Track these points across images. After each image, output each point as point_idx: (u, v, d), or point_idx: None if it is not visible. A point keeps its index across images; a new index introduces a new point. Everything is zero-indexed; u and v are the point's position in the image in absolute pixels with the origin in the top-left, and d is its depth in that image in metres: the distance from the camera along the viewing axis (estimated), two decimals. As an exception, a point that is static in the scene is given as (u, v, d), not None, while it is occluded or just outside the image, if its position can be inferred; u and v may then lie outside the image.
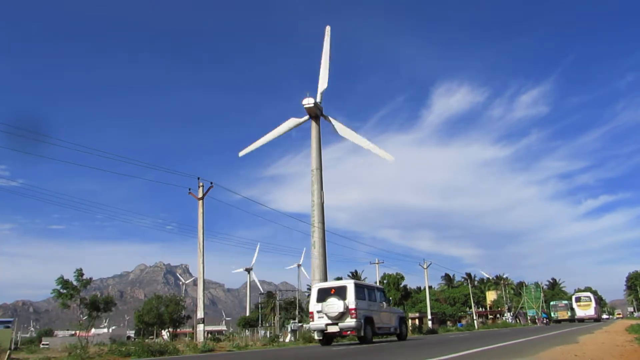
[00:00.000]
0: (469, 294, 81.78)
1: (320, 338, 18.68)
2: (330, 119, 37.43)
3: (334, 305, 17.38)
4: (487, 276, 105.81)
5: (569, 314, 57.56)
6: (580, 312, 56.28)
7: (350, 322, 17.20)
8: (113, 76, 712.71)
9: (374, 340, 18.49)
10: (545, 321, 54.34)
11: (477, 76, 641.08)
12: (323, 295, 18.26)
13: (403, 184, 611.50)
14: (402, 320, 21.57)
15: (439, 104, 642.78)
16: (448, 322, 70.00)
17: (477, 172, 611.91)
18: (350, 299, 17.49)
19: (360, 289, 18.60)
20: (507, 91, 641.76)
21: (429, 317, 48.99)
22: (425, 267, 54.90)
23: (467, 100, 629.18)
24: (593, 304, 57.25)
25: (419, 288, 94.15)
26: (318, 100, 36.71)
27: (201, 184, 23.76)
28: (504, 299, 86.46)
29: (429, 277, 55.91)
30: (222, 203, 40.77)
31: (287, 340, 29.87)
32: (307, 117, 36.60)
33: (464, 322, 70.41)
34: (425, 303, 60.44)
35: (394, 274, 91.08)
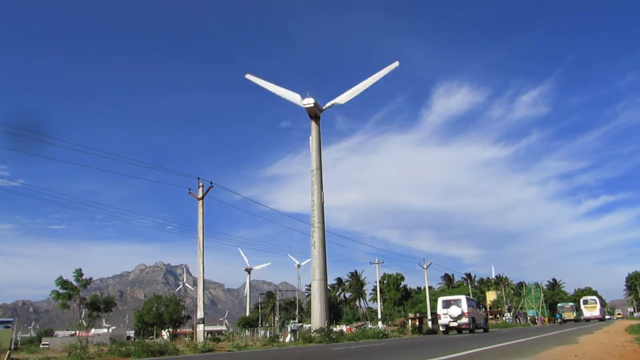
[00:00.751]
0: (469, 294, 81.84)
1: (444, 330, 30.04)
2: (330, 103, 37.31)
3: (456, 310, 28.86)
4: (492, 276, 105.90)
5: (574, 314, 64.23)
6: (587, 313, 63.61)
7: (465, 320, 28.62)
8: (113, 76, 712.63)
9: (466, 331, 28.69)
10: (560, 321, 60.81)
11: (477, 76, 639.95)
12: (447, 304, 29.89)
13: (403, 184, 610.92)
14: (486, 319, 34.39)
15: (439, 104, 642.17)
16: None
17: (477, 172, 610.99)
18: (464, 306, 28.93)
19: (468, 300, 30.25)
20: (507, 91, 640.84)
21: (429, 317, 48.95)
22: (425, 267, 54.91)
23: (467, 101, 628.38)
24: (598, 306, 65.01)
25: (419, 288, 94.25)
26: (324, 108, 36.78)
27: (201, 184, 23.75)
28: (504, 299, 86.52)
29: (429, 277, 55.94)
30: (222, 203, 40.86)
31: (287, 340, 29.86)
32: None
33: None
34: (425, 303, 60.42)
35: (394, 274, 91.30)
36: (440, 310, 30.32)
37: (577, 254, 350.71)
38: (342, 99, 37.40)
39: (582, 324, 47.79)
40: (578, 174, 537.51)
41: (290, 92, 36.98)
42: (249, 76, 38.57)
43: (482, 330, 31.08)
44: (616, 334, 17.62)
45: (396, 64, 38.10)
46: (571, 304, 69.86)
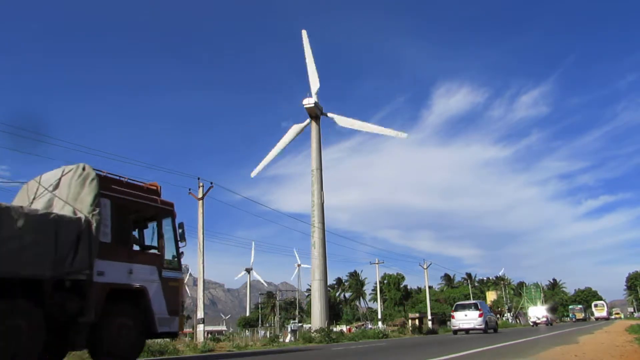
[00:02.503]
0: (469, 294, 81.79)
1: (532, 324, 51.83)
2: (330, 115, 37.34)
3: (539, 313, 55.35)
4: (494, 275, 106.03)
5: (583, 315, 79.94)
6: (597, 314, 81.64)
7: (544, 319, 52.97)
8: (113, 76, 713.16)
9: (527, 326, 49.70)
10: (574, 320, 74.40)
11: (478, 77, 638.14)
12: (534, 310, 58.31)
13: (403, 184, 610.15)
14: (552, 319, 57.27)
15: (440, 105, 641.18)
16: (448, 323, 69.99)
17: (478, 173, 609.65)
18: (544, 312, 55.94)
19: (545, 309, 58.58)
20: (507, 92, 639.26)
21: (429, 317, 48.98)
22: (425, 267, 54.93)
23: (468, 101, 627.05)
24: (605, 308, 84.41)
25: (419, 288, 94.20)
26: (325, 113, 36.87)
27: (201, 184, 23.74)
28: (504, 299, 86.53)
29: (429, 277, 55.95)
30: (222, 203, 40.79)
31: (287, 340, 29.90)
32: (308, 120, 36.50)
33: (464, 322, 70.31)
34: (425, 303, 60.43)
35: (394, 274, 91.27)
36: (531, 312, 58.38)
37: (577, 254, 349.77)
38: (341, 120, 37.41)
39: (587, 323, 56.36)
40: (578, 174, 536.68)
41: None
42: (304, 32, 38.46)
43: (550, 325, 50.55)
44: (616, 334, 17.63)
45: (404, 135, 38.48)
46: (580, 306, 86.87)
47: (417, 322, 38.51)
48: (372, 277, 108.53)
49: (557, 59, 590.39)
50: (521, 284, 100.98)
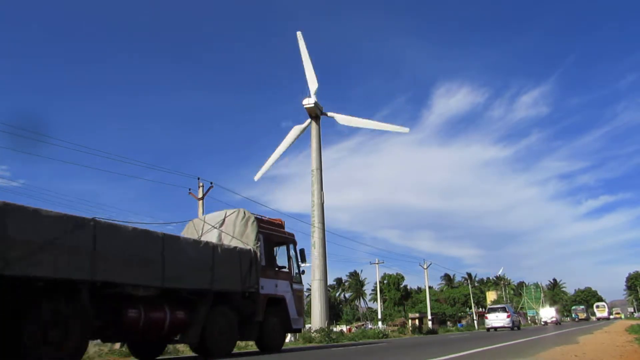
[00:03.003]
0: (469, 294, 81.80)
1: (544, 323, 57.28)
2: (331, 114, 37.09)
3: (549, 314, 60.43)
4: (490, 277, 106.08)
5: (585, 315, 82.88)
6: (598, 314, 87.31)
7: (554, 319, 57.63)
8: (113, 76, 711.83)
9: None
10: (577, 320, 76.65)
11: (478, 76, 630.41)
12: (545, 311, 64.15)
13: (403, 184, 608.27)
14: (560, 319, 60.88)
15: (440, 105, 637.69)
16: (448, 323, 70.09)
17: (478, 173, 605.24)
18: (553, 313, 60.16)
19: (554, 310, 62.64)
20: (507, 92, 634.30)
21: (429, 317, 49.01)
22: (425, 267, 54.96)
23: (468, 101, 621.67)
24: (606, 309, 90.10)
25: (419, 288, 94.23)
26: (325, 112, 36.64)
27: (201, 184, 23.71)
28: (504, 299, 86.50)
29: (429, 277, 55.96)
30: (222, 203, 40.68)
31: (287, 340, 29.81)
32: (308, 121, 36.17)
33: (464, 322, 70.38)
34: (426, 303, 60.49)
35: (394, 274, 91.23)
36: (542, 313, 62.89)
37: (577, 254, 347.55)
38: (341, 119, 36.89)
39: (588, 323, 58.11)
40: (578, 174, 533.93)
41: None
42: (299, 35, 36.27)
43: (559, 324, 52.72)
44: (616, 334, 17.63)
45: (406, 130, 37.67)
46: (582, 307, 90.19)
47: (417, 322, 38.55)
48: (372, 277, 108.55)
49: (557, 59, 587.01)
50: (521, 284, 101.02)
